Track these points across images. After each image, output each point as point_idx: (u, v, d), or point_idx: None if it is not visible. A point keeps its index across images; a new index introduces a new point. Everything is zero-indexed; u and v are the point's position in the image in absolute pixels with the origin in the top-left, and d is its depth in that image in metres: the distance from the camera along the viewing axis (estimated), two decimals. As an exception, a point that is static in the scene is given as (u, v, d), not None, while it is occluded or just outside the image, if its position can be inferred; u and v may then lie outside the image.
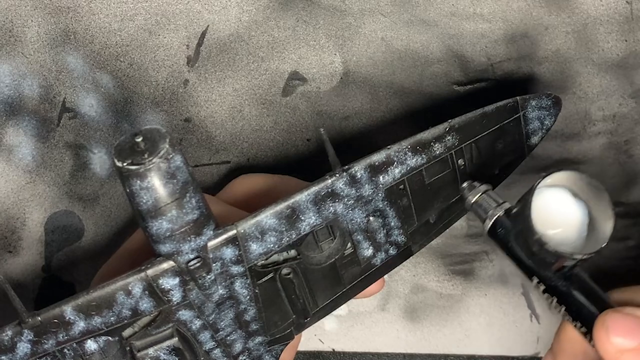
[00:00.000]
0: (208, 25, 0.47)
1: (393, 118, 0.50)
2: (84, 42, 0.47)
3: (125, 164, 0.31)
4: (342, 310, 0.57)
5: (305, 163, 0.51)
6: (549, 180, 0.36)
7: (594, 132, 0.50)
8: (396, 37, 0.47)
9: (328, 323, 0.59)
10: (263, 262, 0.36)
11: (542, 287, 0.37)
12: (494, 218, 0.38)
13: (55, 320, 0.33)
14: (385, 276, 0.57)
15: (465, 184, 0.40)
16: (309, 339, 0.59)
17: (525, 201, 0.35)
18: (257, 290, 0.36)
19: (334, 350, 0.59)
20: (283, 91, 0.49)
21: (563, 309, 0.36)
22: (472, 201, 0.39)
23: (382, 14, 0.47)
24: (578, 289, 0.36)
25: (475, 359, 0.59)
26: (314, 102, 0.49)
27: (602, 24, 0.46)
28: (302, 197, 0.35)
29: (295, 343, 0.43)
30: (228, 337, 0.37)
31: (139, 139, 0.31)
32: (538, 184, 0.35)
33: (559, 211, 0.36)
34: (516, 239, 0.37)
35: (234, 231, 0.34)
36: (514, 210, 0.37)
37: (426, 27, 0.47)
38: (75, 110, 0.49)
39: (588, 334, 0.35)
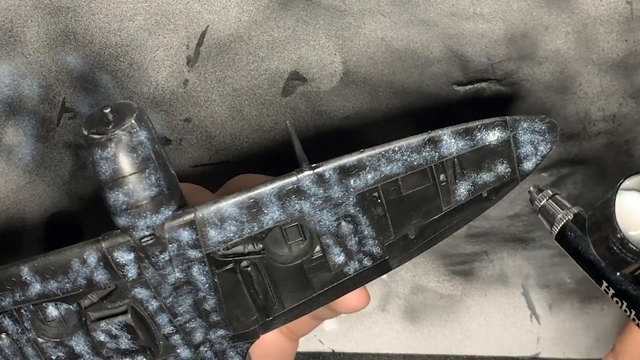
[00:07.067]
0: (208, 25, 0.47)
1: (393, 118, 0.50)
2: (83, 42, 0.47)
3: (89, 133, 0.32)
4: (342, 310, 0.57)
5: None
6: (627, 182, 0.36)
7: (594, 132, 0.50)
8: (396, 37, 0.47)
9: (328, 324, 0.58)
10: (224, 251, 0.36)
11: (612, 292, 0.37)
12: (563, 222, 0.38)
13: (13, 279, 0.34)
14: (385, 277, 0.57)
15: (531, 188, 0.40)
16: (309, 339, 0.59)
17: (606, 202, 0.36)
18: (216, 280, 0.37)
19: (333, 351, 0.59)
20: (283, 91, 0.49)
21: (633, 313, 0.36)
22: (540, 205, 0.39)
23: (382, 14, 0.47)
24: None
25: (475, 359, 0.59)
26: (314, 102, 0.49)
27: (602, 24, 0.46)
28: (266, 190, 0.35)
29: (290, 351, 0.43)
30: (187, 324, 0.37)
31: (107, 110, 0.32)
32: (619, 185, 0.36)
33: (637, 213, 0.37)
34: (591, 241, 0.37)
35: (192, 215, 0.34)
36: (589, 213, 0.37)
37: (426, 27, 0.47)
38: (75, 110, 0.49)
39: None
